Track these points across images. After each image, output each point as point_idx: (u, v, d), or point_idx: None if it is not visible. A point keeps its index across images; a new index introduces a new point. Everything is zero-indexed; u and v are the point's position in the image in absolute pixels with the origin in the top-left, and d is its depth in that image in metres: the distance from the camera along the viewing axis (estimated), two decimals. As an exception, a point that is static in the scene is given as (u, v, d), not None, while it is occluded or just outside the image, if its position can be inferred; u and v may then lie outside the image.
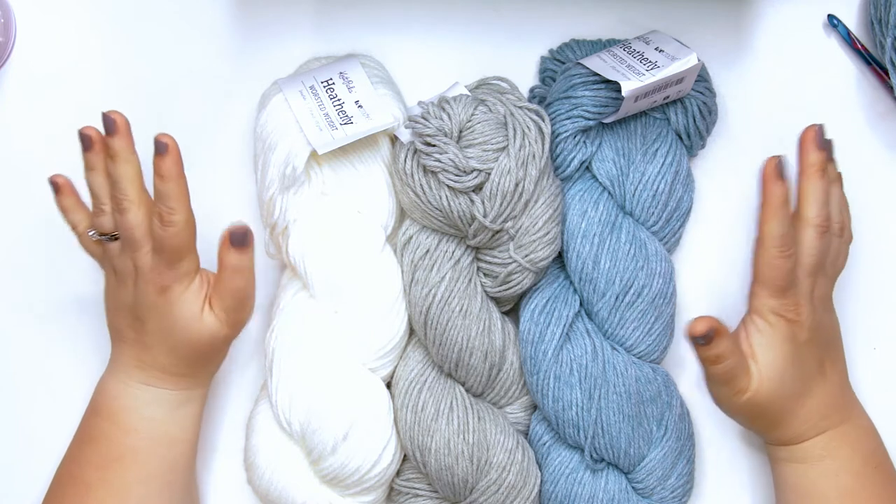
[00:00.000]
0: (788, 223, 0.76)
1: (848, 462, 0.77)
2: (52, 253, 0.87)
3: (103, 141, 0.77)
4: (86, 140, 0.77)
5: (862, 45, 0.86)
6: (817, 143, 0.78)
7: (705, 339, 0.74)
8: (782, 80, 0.87)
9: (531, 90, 0.86)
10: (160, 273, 0.76)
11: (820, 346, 0.78)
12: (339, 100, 0.80)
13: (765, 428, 0.79)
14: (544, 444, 0.82)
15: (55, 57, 0.87)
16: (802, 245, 0.77)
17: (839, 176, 0.81)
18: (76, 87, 0.86)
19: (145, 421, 0.78)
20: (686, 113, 0.82)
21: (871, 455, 0.78)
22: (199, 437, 0.86)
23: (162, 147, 0.74)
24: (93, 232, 0.79)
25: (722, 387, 0.77)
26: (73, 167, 0.86)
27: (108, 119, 0.76)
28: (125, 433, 0.78)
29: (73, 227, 0.80)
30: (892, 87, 0.85)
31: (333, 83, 0.81)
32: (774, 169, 0.76)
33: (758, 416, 0.78)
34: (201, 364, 0.79)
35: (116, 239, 0.78)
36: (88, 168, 0.78)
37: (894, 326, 0.87)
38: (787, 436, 0.78)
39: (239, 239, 0.75)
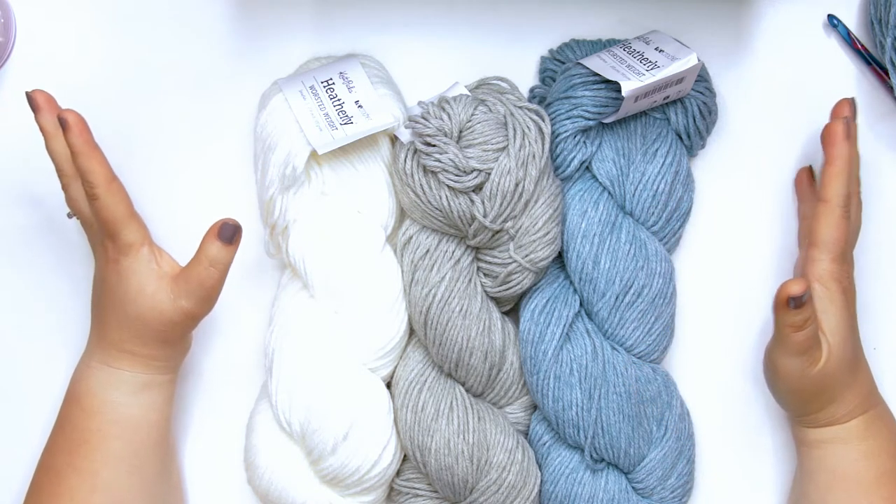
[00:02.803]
0: (848, 184, 0.77)
1: (888, 443, 0.77)
2: (51, 251, 0.87)
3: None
4: (45, 133, 0.79)
5: (862, 45, 0.86)
6: (853, 114, 0.79)
7: (799, 301, 0.72)
8: (782, 80, 0.87)
9: (531, 90, 0.86)
10: (108, 247, 0.78)
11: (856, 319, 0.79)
12: (339, 100, 0.80)
13: (823, 404, 0.77)
14: (544, 444, 0.82)
15: (55, 57, 0.87)
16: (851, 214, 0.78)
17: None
18: (76, 87, 0.86)
19: (107, 404, 0.78)
20: (686, 113, 0.82)
21: None
22: (199, 437, 0.87)
23: (64, 123, 0.76)
24: (68, 212, 0.81)
25: (797, 357, 0.75)
26: (73, 167, 0.87)
27: (31, 99, 0.78)
28: (89, 416, 0.78)
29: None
30: (892, 87, 0.85)
31: (333, 83, 0.81)
32: (843, 130, 0.77)
33: (821, 390, 0.76)
34: (154, 343, 0.78)
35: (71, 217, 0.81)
36: (53, 155, 0.80)
37: (894, 326, 0.87)
38: (839, 412, 0.77)
39: (228, 234, 0.75)
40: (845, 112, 0.80)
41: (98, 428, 0.78)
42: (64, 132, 0.76)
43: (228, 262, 0.76)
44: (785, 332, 0.74)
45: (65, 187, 0.80)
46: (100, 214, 0.77)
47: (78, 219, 0.81)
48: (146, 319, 0.77)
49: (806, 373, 0.75)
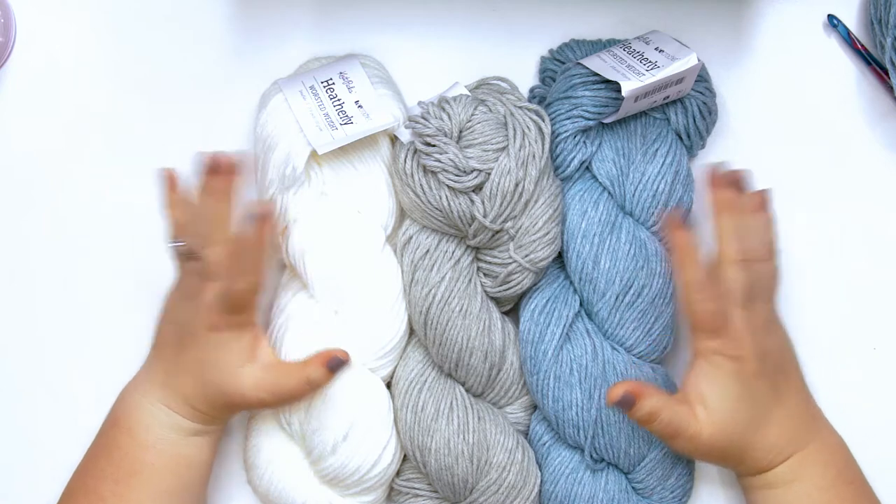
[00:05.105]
0: (701, 267, 0.75)
1: (820, 480, 0.76)
2: (52, 252, 0.87)
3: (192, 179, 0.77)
4: (168, 181, 0.78)
5: (862, 45, 0.86)
6: (722, 181, 0.77)
7: (624, 404, 0.74)
8: (782, 80, 0.87)
9: (531, 90, 0.86)
10: (216, 313, 0.76)
11: (770, 373, 0.76)
12: (339, 100, 0.80)
13: (733, 464, 0.78)
14: (544, 444, 0.82)
15: (55, 57, 0.87)
16: (727, 281, 0.75)
17: (760, 201, 0.78)
18: (76, 88, 0.86)
19: (163, 440, 0.77)
20: (686, 113, 0.82)
21: (842, 471, 0.77)
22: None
23: (253, 218, 0.76)
24: (174, 243, 0.77)
25: (672, 440, 0.75)
26: (72, 167, 0.86)
27: (215, 163, 0.77)
28: (143, 448, 0.77)
29: (171, 224, 0.78)
30: (892, 87, 0.85)
31: (333, 83, 0.81)
32: (673, 220, 0.77)
33: (721, 456, 0.77)
34: (224, 409, 0.78)
35: (192, 258, 0.76)
36: (170, 205, 0.78)
37: (894, 326, 0.87)
38: (756, 467, 0.77)
39: (335, 365, 0.77)
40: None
41: (152, 462, 0.76)
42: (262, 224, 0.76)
43: (323, 385, 0.78)
44: (641, 425, 0.75)
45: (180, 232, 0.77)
46: (233, 290, 0.75)
47: (185, 257, 0.77)
48: (224, 392, 0.76)
49: (690, 447, 0.76)
